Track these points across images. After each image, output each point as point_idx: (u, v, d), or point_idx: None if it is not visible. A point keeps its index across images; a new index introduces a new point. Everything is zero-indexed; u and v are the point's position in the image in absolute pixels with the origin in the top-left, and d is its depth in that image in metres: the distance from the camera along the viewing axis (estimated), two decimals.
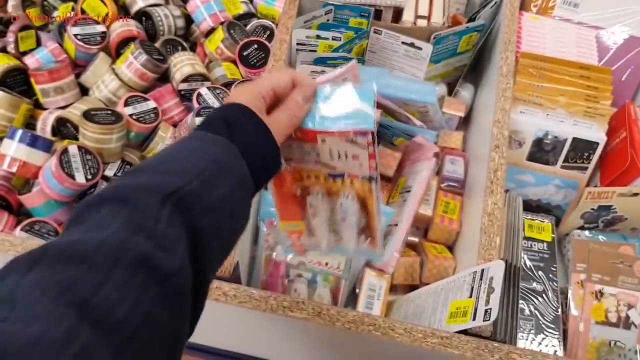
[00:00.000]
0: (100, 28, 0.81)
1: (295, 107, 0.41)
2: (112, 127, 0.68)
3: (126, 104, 0.73)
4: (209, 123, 0.37)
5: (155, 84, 0.81)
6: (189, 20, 0.89)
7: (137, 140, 0.76)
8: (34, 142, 0.65)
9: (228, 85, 0.82)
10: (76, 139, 0.73)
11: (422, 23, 0.87)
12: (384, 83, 0.75)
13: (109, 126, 0.67)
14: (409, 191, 0.71)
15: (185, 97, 0.81)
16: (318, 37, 0.78)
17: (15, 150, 0.65)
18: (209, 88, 0.79)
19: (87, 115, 0.68)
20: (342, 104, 0.42)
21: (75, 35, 0.78)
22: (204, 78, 0.81)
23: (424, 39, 0.84)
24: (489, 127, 0.74)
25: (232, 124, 0.37)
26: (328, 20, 0.83)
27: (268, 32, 0.88)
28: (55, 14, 0.88)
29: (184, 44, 0.85)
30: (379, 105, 0.74)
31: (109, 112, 0.70)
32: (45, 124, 0.74)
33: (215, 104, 0.78)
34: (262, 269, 0.67)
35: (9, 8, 0.92)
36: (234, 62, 0.86)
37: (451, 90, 0.94)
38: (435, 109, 0.77)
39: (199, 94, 0.78)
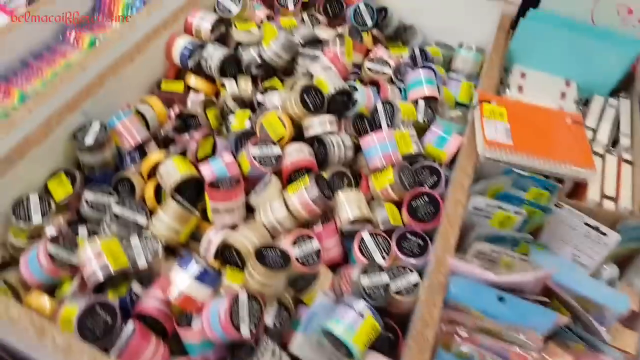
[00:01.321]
0: (277, 151, 0.81)
1: None
2: (281, 272, 0.66)
3: (294, 243, 0.72)
4: None
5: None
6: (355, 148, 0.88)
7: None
8: (205, 277, 0.65)
9: (389, 232, 0.78)
10: (237, 265, 0.72)
11: (609, 204, 0.79)
12: (574, 278, 0.68)
13: (277, 272, 0.66)
14: None
15: (344, 235, 0.78)
16: (499, 207, 0.73)
17: (183, 281, 0.64)
18: (371, 234, 0.76)
19: (259, 255, 0.66)
20: None
21: (254, 156, 0.79)
22: (367, 220, 0.78)
23: (608, 222, 0.77)
24: None
25: None
26: (505, 187, 0.77)
27: (435, 178, 0.84)
28: (232, 119, 0.91)
29: (351, 177, 0.84)
30: (561, 301, 0.67)
31: (279, 253, 0.68)
32: (210, 244, 0.74)
33: (376, 252, 0.75)
34: None
35: (189, 103, 0.96)
36: (396, 203, 0.83)
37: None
38: (617, 315, 0.69)
39: (362, 240, 0.76)
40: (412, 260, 0.75)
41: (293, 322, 0.69)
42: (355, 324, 0.64)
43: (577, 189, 0.82)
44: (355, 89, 0.90)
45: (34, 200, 0.76)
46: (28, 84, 0.92)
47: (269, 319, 0.67)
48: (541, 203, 0.77)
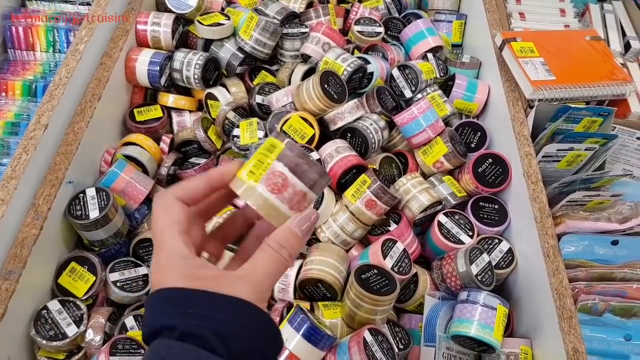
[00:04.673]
0: (316, 156, 0.70)
1: (293, 242, 0.32)
2: (392, 295, 0.58)
3: (384, 255, 0.63)
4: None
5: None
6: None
7: None
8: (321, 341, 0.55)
9: (462, 204, 0.73)
10: (324, 298, 0.64)
11: None
12: None
13: (388, 295, 0.58)
14: None
15: (416, 225, 0.72)
16: (571, 149, 0.70)
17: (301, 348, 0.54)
18: (446, 215, 0.70)
19: (362, 282, 0.58)
20: None
21: None
22: (437, 202, 0.71)
23: None
24: None
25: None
26: (561, 125, 0.74)
27: (479, 134, 0.79)
28: (236, 132, 0.77)
29: (397, 161, 0.76)
30: None
31: (377, 272, 0.60)
32: (286, 283, 0.64)
33: (461, 233, 0.69)
34: None
35: (176, 127, 0.81)
36: (449, 173, 0.77)
37: None
38: None
39: (440, 224, 0.69)
40: (497, 229, 0.70)
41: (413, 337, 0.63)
42: (488, 319, 0.59)
43: (616, 106, 0.81)
44: (368, 61, 0.79)
45: (55, 308, 0.60)
46: None
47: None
48: (593, 131, 0.75)
